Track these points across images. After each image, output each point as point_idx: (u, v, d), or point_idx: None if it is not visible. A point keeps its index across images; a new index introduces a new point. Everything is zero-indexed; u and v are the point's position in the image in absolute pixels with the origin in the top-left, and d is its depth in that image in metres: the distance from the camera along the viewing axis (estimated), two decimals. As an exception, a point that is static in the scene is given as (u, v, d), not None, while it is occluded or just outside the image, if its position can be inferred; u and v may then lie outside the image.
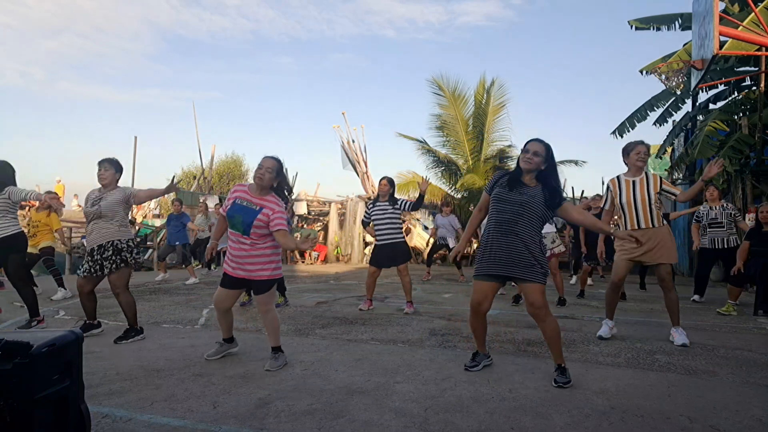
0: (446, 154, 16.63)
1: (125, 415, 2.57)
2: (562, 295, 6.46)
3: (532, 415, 2.60)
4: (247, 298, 6.34)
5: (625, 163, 4.48)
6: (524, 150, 3.16)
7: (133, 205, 5.12)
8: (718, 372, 3.42)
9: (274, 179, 3.51)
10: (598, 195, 7.92)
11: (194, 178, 23.04)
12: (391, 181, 5.92)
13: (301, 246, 3.50)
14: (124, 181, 4.56)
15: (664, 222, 4.38)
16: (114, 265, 4.27)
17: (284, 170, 3.59)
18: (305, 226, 17.29)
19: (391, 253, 5.76)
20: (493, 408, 2.69)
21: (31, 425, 1.74)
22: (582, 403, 2.76)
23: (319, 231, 17.11)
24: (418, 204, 5.79)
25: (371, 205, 5.97)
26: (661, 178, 4.41)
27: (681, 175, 13.01)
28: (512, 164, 16.61)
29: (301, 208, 17.28)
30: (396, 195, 6.06)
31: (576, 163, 16.13)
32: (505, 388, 3.03)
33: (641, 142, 4.43)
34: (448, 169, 16.62)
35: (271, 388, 3.00)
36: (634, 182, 4.38)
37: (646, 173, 4.42)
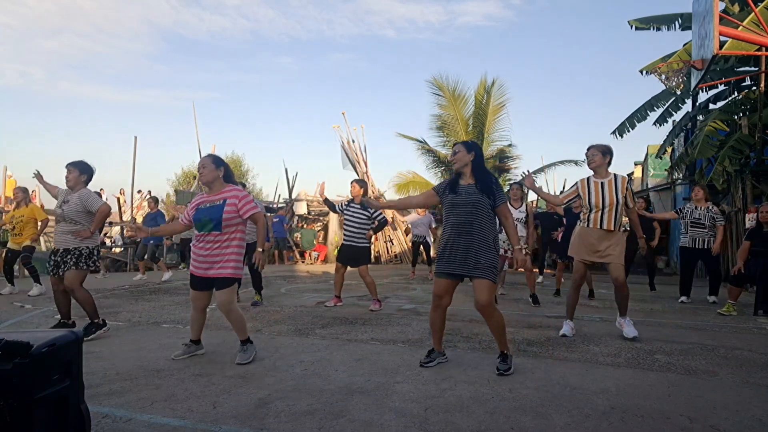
0: (446, 154, 16.63)
1: (125, 415, 2.56)
2: (533, 292, 6.60)
3: (532, 415, 2.60)
4: (258, 298, 6.35)
5: None
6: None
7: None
8: (718, 372, 3.42)
9: (215, 171, 3.60)
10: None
11: (194, 178, 23.03)
12: (361, 183, 6.09)
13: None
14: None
15: (623, 228, 4.47)
16: (74, 266, 4.30)
17: (222, 160, 3.68)
18: (305, 226, 17.30)
19: (352, 254, 6.00)
20: (493, 408, 2.69)
21: (31, 425, 1.74)
22: (582, 403, 2.76)
23: (319, 231, 17.11)
24: (378, 229, 6.10)
25: (346, 204, 6.14)
26: (628, 182, 4.41)
27: (681, 175, 13.00)
28: (512, 164, 16.69)
29: (301, 208, 17.27)
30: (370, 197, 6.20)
31: (576, 163, 16.17)
32: (505, 388, 3.03)
33: (591, 146, 4.49)
34: (449, 169, 16.63)
35: (271, 388, 3.00)
36: (602, 184, 4.40)
37: (615, 175, 4.42)
